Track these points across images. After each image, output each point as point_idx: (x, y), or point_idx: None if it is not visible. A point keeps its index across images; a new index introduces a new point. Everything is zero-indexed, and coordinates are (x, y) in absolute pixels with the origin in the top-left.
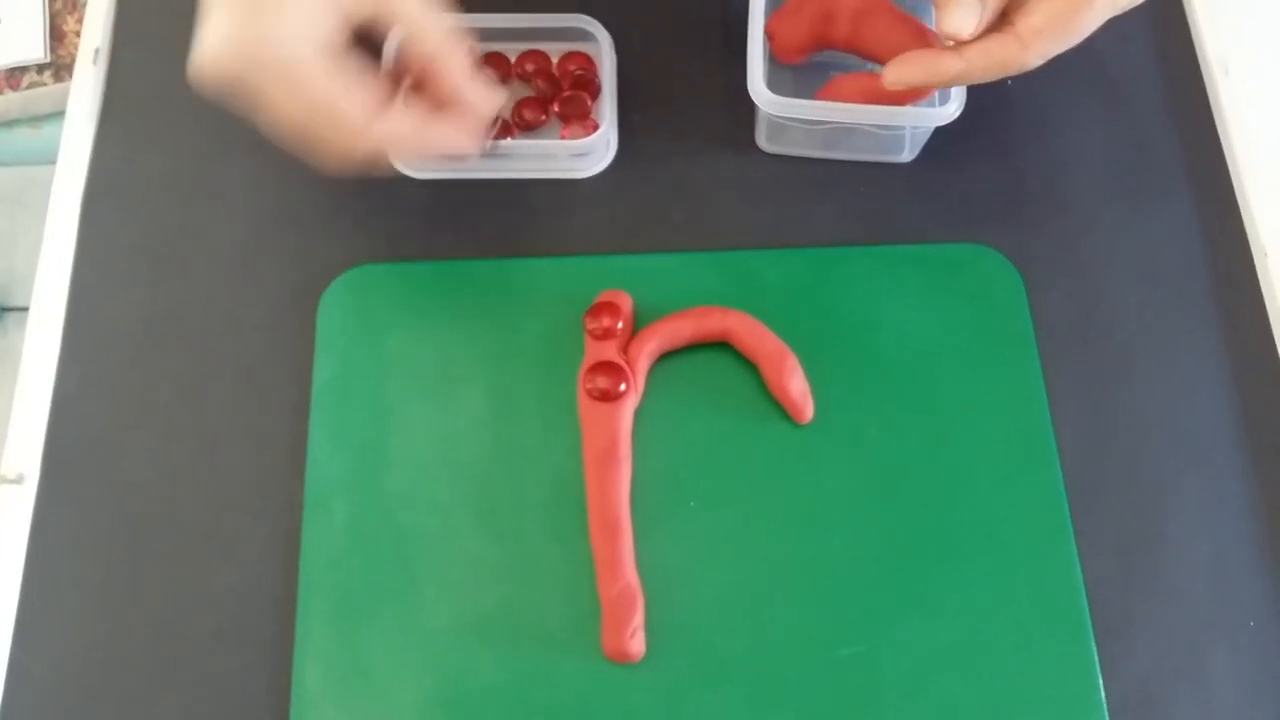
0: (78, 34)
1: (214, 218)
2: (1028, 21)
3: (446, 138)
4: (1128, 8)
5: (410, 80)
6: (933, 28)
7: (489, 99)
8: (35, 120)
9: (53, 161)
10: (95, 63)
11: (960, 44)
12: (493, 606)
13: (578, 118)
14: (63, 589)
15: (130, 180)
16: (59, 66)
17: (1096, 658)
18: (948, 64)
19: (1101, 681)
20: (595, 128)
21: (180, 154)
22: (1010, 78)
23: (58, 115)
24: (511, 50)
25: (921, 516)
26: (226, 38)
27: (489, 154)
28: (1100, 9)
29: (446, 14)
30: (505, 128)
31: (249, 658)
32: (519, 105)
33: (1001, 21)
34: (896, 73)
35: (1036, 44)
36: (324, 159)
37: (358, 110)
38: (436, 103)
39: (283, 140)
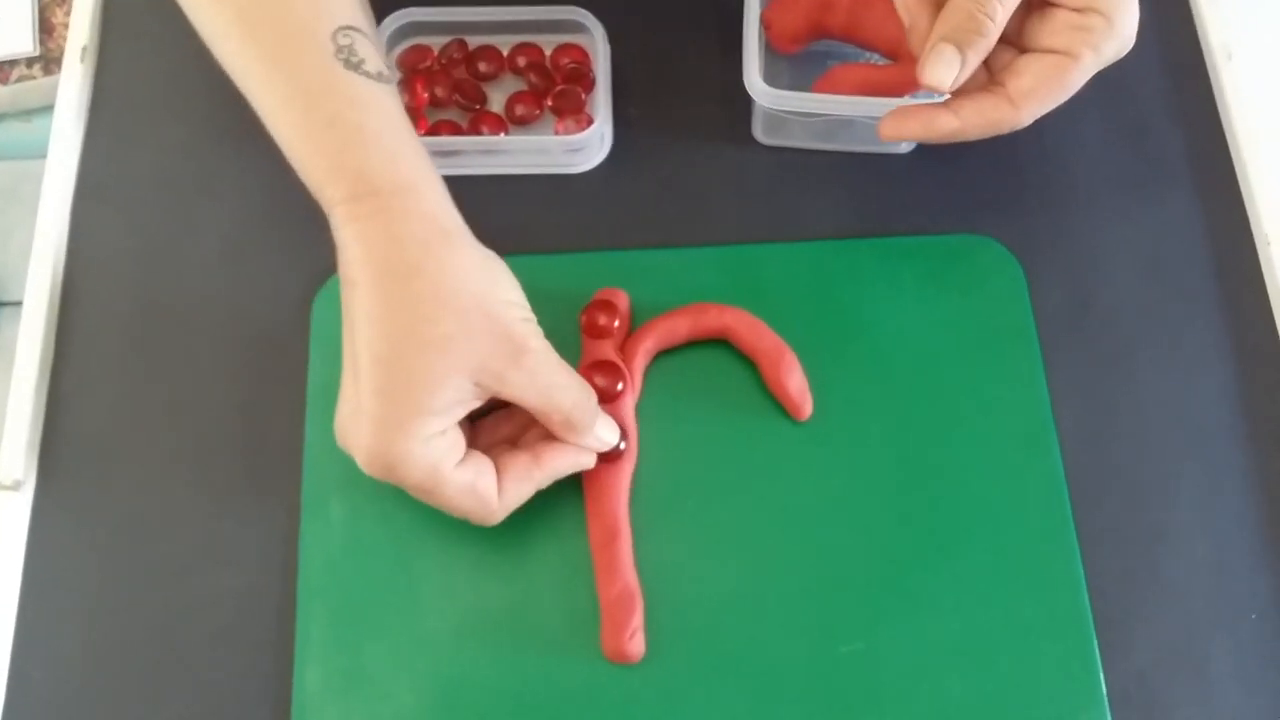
0: (67, 27)
1: (207, 217)
2: (1017, 83)
3: (563, 464)
4: (1113, 60)
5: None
6: None
7: (612, 438)
8: (26, 114)
9: (44, 155)
10: (83, 60)
11: (954, 101)
12: (492, 607)
13: (572, 112)
14: (61, 594)
15: (120, 179)
16: (48, 60)
17: (1097, 651)
18: (943, 121)
19: (1103, 674)
20: (590, 122)
21: (171, 152)
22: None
23: (48, 109)
24: (504, 43)
25: (921, 511)
26: (368, 450)
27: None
28: (1086, 67)
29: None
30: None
31: (249, 661)
32: (511, 100)
33: (991, 82)
34: (894, 128)
35: (1026, 105)
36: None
37: (484, 500)
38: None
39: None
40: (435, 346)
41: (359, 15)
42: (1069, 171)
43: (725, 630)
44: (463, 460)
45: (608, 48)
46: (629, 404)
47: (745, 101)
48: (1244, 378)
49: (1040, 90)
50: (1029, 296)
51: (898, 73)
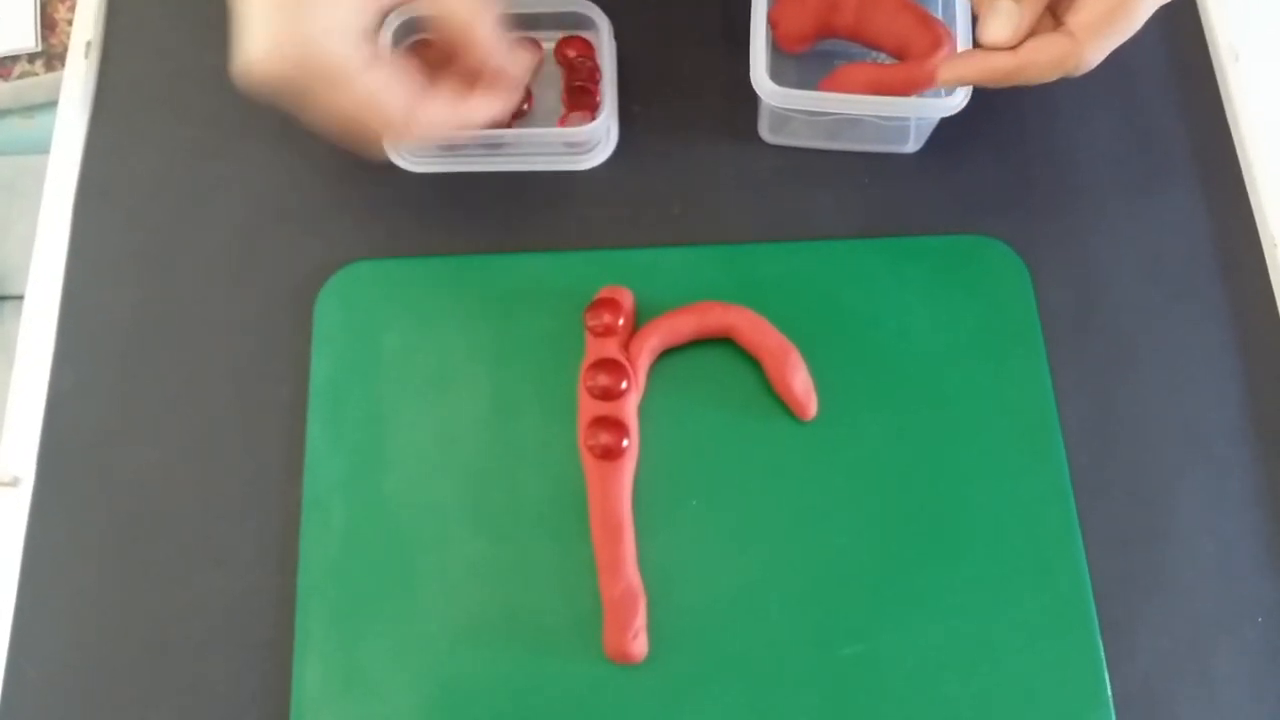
0: (69, 22)
1: (209, 214)
2: (1077, 18)
3: (484, 110)
4: None
5: (435, 53)
6: (937, 14)
7: (522, 62)
8: (28, 110)
9: (47, 151)
10: (87, 56)
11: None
12: (494, 607)
13: (577, 105)
14: (59, 592)
15: (123, 176)
16: (50, 55)
17: (1103, 653)
18: (1001, 61)
19: (1108, 677)
20: (594, 115)
21: (174, 148)
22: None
23: (50, 105)
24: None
25: (926, 513)
26: (268, 38)
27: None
28: None
29: None
30: (527, 95)
31: (248, 660)
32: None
33: (1054, 22)
34: (951, 70)
35: (1090, 40)
36: (370, 150)
37: (400, 101)
38: (464, 76)
39: (328, 135)
40: None
41: None
42: (1075, 172)
43: (728, 631)
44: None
45: (613, 43)
46: (633, 403)
47: (751, 100)
48: (1249, 379)
49: (1101, 23)
50: (1034, 297)
51: (904, 72)
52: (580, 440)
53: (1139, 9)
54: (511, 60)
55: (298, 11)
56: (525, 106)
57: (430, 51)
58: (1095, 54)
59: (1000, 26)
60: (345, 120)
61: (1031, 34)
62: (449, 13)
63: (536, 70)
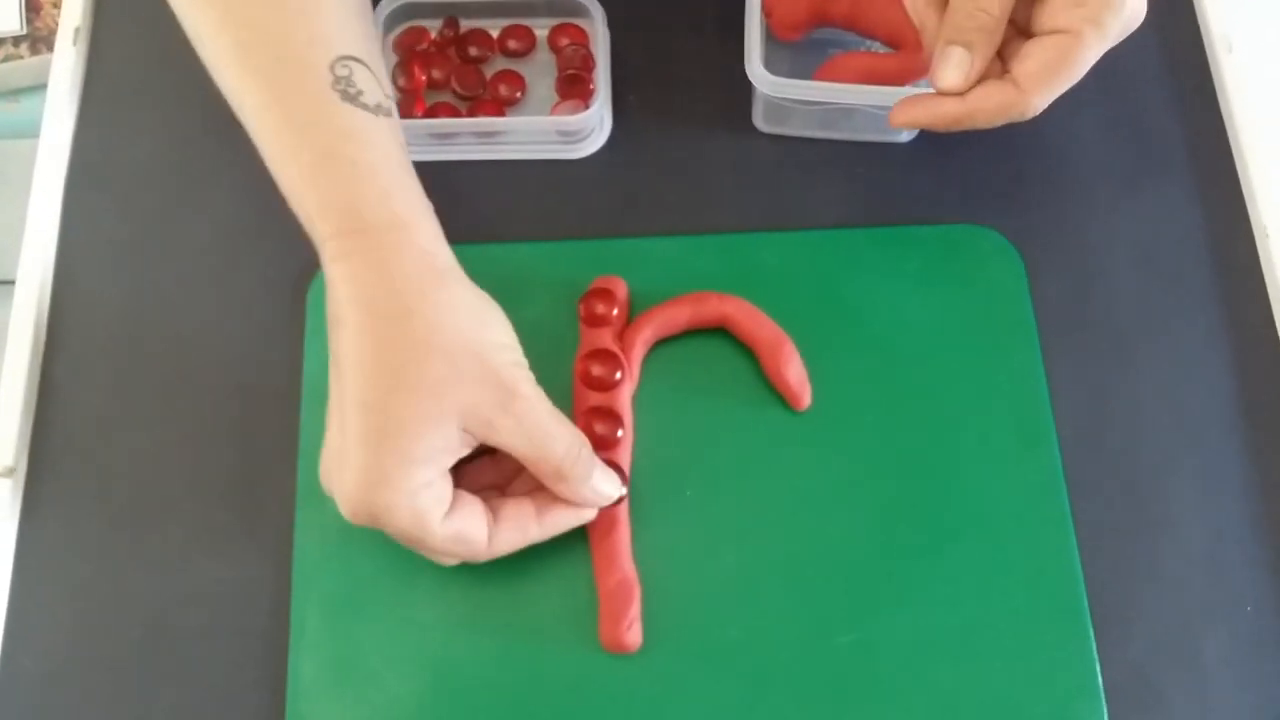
0: (55, 5)
1: (201, 203)
2: (1022, 68)
3: (566, 522)
4: (1123, 35)
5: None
6: None
7: (612, 491)
8: (13, 94)
9: (31, 136)
10: (75, 43)
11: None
12: (489, 597)
13: (570, 94)
14: (53, 583)
15: (114, 164)
16: (35, 39)
17: (1094, 642)
18: (949, 106)
19: (1099, 666)
20: (588, 104)
21: (165, 136)
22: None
23: (35, 89)
24: (495, 25)
25: (920, 502)
26: (352, 500)
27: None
28: (1090, 44)
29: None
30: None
31: (243, 651)
32: (494, 80)
33: (1001, 69)
34: (903, 115)
35: (1034, 89)
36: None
37: (474, 557)
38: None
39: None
40: (423, 391)
41: (360, 43)
42: (1069, 162)
43: (722, 620)
44: (450, 509)
45: (607, 31)
46: (627, 393)
47: (746, 89)
48: (1242, 370)
49: (1045, 73)
50: (1028, 287)
51: (899, 61)
52: None
53: (1080, 60)
54: (606, 495)
55: (383, 478)
56: (517, 95)
57: (491, 472)
58: (1039, 102)
59: (952, 73)
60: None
61: (981, 80)
62: (543, 458)
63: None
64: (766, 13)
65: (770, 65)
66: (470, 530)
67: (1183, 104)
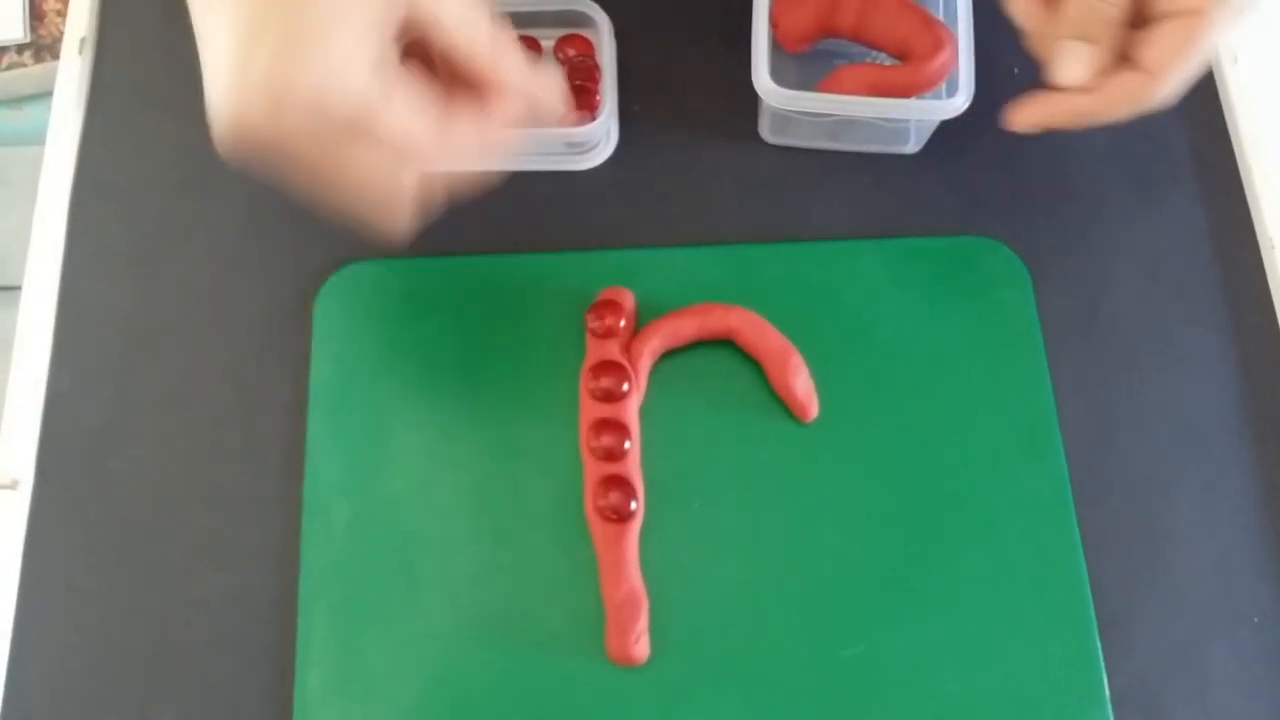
0: (59, 13)
1: (207, 213)
2: (1150, 54)
3: (509, 124)
4: (1244, 14)
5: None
6: (939, 16)
7: (555, 84)
8: (16, 101)
9: (36, 143)
10: (81, 52)
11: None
12: (496, 609)
13: (582, 106)
14: (60, 594)
15: (120, 174)
16: (39, 47)
17: (1100, 652)
18: (1078, 102)
19: (1105, 676)
20: (594, 115)
21: (171, 146)
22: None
23: (39, 97)
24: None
25: (926, 513)
26: (258, 86)
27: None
28: (1218, 25)
29: (486, 7)
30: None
31: (250, 662)
32: None
33: (1123, 60)
34: (1025, 115)
35: (1166, 74)
36: (391, 216)
37: (431, 132)
38: (473, 89)
39: (335, 205)
40: None
41: None
42: (1075, 174)
43: (729, 633)
44: (389, 87)
45: (613, 41)
46: (634, 404)
47: (752, 99)
48: (1248, 381)
49: (1174, 56)
50: (1034, 298)
51: (905, 74)
52: (582, 442)
53: (1207, 36)
54: (545, 87)
55: (293, 49)
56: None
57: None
58: (1172, 87)
59: (1077, 67)
60: (362, 175)
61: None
62: (466, 45)
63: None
64: (773, 24)
65: (776, 76)
66: (412, 110)
67: (1188, 116)
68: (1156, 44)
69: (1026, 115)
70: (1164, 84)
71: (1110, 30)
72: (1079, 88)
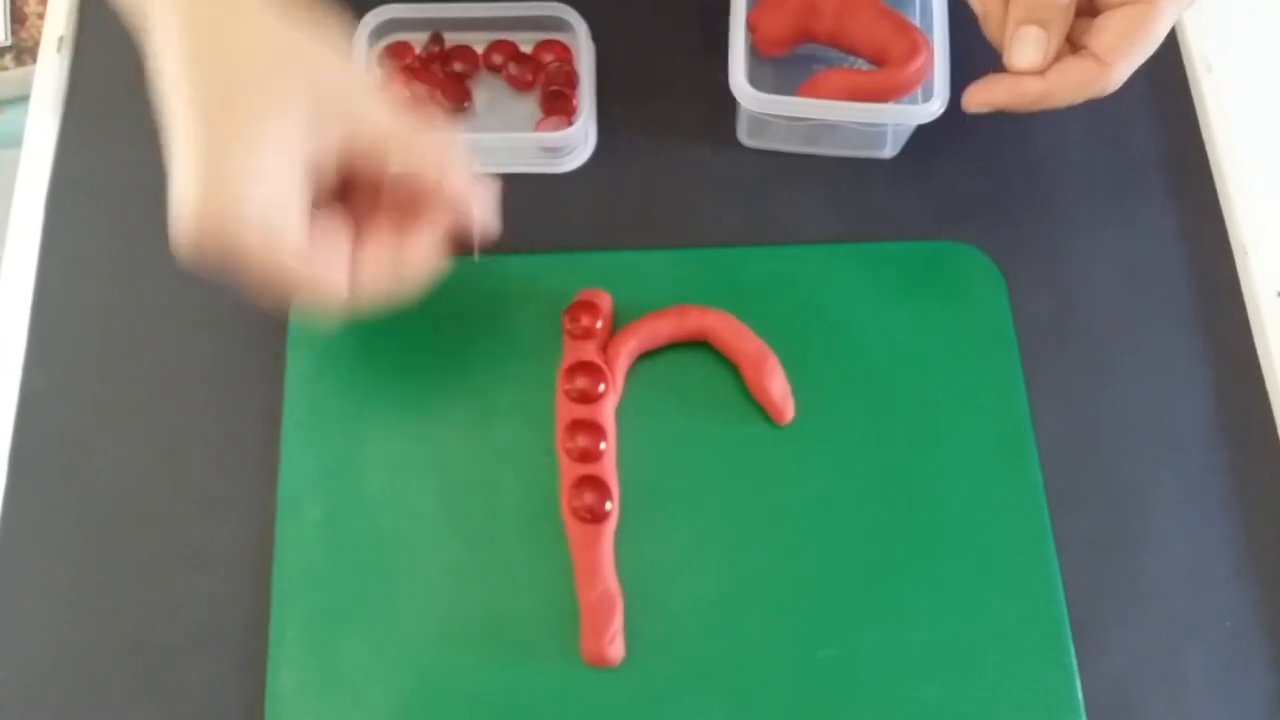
0: (40, 16)
1: None
2: (1100, 40)
3: (432, 254)
4: (1191, 4)
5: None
6: (915, 21)
7: (490, 198)
8: None
9: (15, 146)
10: (59, 51)
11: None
12: (471, 611)
13: (559, 112)
14: (33, 596)
15: (97, 174)
16: (20, 50)
17: (1074, 656)
18: (1029, 85)
19: (1078, 680)
20: (571, 120)
21: (149, 146)
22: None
23: (19, 100)
24: (479, 40)
25: (901, 517)
26: (195, 212)
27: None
28: (1167, 13)
29: (422, 120)
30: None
31: (222, 664)
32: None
33: (1074, 47)
34: (979, 96)
35: (1116, 61)
36: (312, 314)
37: (338, 279)
38: (403, 210)
39: (266, 303)
40: (263, 63)
41: None
42: (1050, 179)
43: (704, 634)
44: (309, 234)
45: (591, 45)
46: (610, 406)
47: (729, 103)
48: (1222, 386)
49: (1125, 43)
50: (1009, 303)
51: (882, 78)
52: (558, 442)
53: (1158, 26)
54: (480, 200)
55: (221, 178)
56: (465, 104)
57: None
58: (1120, 74)
59: (1030, 51)
60: (281, 292)
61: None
62: (418, 169)
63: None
64: (750, 28)
65: (754, 80)
66: (330, 251)
67: (1163, 123)
68: (1107, 31)
69: (979, 96)
70: (1114, 71)
71: (1062, 16)
72: (1032, 72)
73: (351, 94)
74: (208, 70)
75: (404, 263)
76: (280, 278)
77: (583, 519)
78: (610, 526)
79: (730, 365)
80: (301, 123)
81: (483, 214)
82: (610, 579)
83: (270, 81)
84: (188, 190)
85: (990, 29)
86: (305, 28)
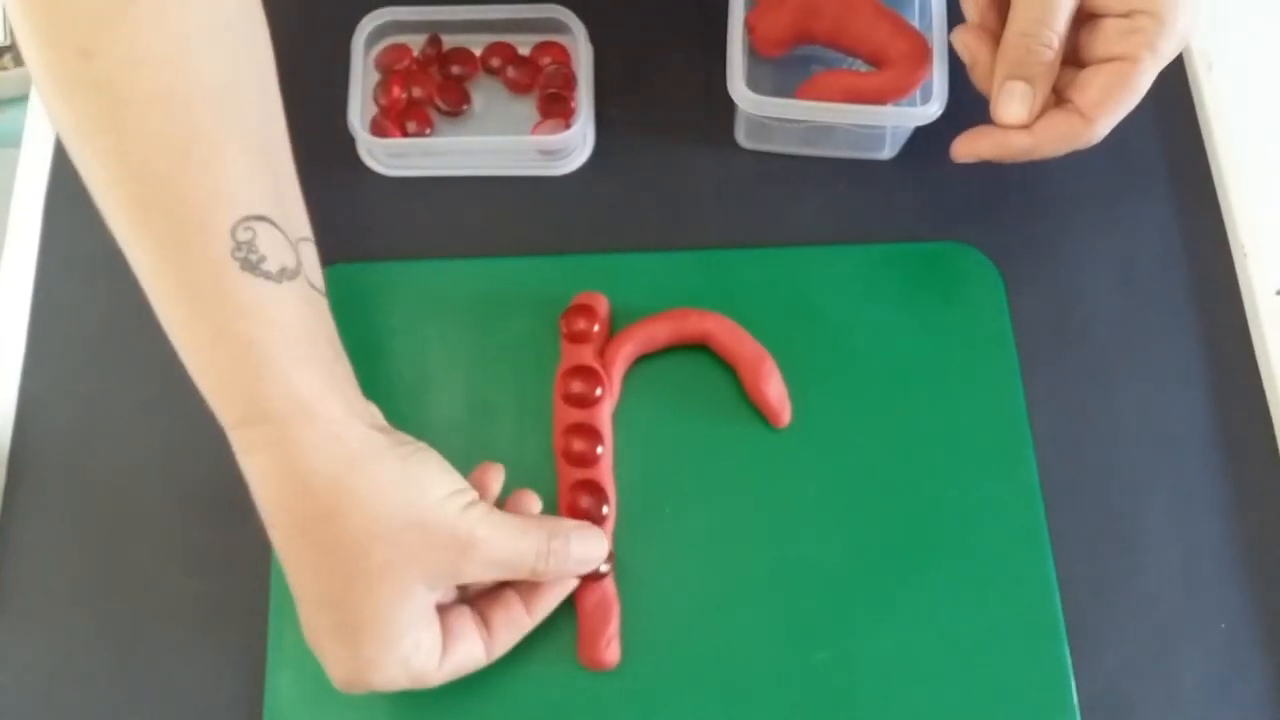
0: None
1: None
2: (1085, 96)
3: (555, 600)
4: (1175, 54)
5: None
6: (914, 23)
7: (596, 552)
8: None
9: (15, 146)
10: None
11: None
12: None
13: (557, 114)
14: (31, 600)
15: None
16: (19, 50)
17: (1069, 658)
18: (1015, 139)
19: (1074, 682)
20: (569, 123)
21: None
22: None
23: (20, 100)
24: (477, 42)
25: (898, 519)
26: (345, 685)
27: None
28: (1147, 68)
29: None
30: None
31: (221, 665)
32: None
33: (1060, 100)
34: (966, 147)
35: (1099, 116)
36: None
37: (479, 666)
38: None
39: None
40: (376, 580)
41: (269, 198)
42: (1049, 180)
43: (700, 637)
44: (445, 650)
45: (589, 48)
46: (607, 409)
47: (728, 104)
48: (1219, 389)
49: (1108, 99)
50: (1007, 304)
51: (881, 80)
52: (555, 446)
53: (1140, 82)
54: (577, 566)
55: (366, 666)
56: (463, 107)
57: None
58: (1103, 129)
59: (1017, 107)
60: None
61: (1042, 111)
62: (516, 574)
63: None
64: (749, 29)
65: (752, 81)
66: (468, 656)
67: (1162, 122)
68: (1091, 88)
69: (967, 148)
70: (1097, 126)
71: (1048, 72)
72: (1018, 126)
73: (459, 562)
74: (320, 563)
75: (529, 623)
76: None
77: None
78: (607, 530)
79: (728, 368)
80: (423, 598)
81: (591, 568)
82: (606, 582)
83: (386, 573)
84: (335, 664)
85: (977, 77)
86: (398, 479)
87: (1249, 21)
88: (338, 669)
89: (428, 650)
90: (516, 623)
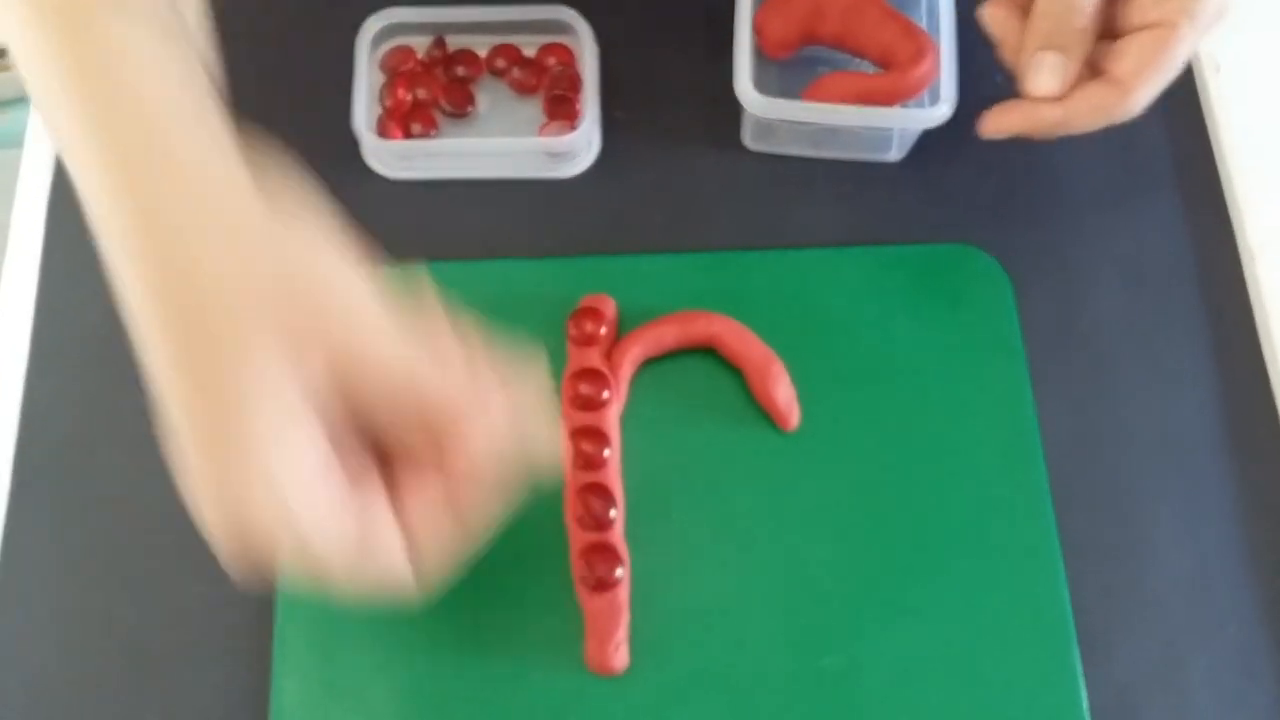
0: None
1: None
2: (1121, 65)
3: (485, 513)
4: (1215, 22)
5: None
6: (922, 24)
7: (555, 440)
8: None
9: (16, 146)
10: None
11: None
12: (474, 618)
13: (563, 117)
14: (37, 605)
15: None
16: None
17: (1079, 663)
18: (1046, 112)
19: (1084, 687)
20: (575, 125)
21: None
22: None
23: (20, 100)
24: (482, 44)
25: (907, 523)
26: (212, 511)
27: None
28: (1185, 35)
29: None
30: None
31: (227, 672)
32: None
33: (1094, 71)
34: (996, 123)
35: (1137, 86)
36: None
37: (399, 563)
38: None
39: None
40: (230, 285)
41: None
42: (1057, 182)
43: (708, 642)
44: (341, 498)
45: (595, 49)
46: (614, 412)
47: (734, 106)
48: (1228, 392)
49: (1144, 68)
50: (1016, 306)
51: (889, 81)
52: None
53: (1179, 49)
54: (543, 442)
55: (229, 468)
56: (468, 109)
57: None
58: (1142, 99)
59: (1048, 78)
60: (319, 569)
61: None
62: (415, 393)
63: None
64: (756, 31)
65: (759, 83)
66: (374, 526)
67: (1170, 124)
68: (1127, 56)
69: (998, 123)
70: (1134, 96)
71: (1081, 41)
72: (1050, 98)
73: (331, 308)
74: (170, 298)
75: (461, 512)
76: (323, 564)
77: (586, 526)
78: (615, 534)
79: (735, 372)
80: (281, 374)
81: (537, 430)
82: (618, 588)
83: (240, 311)
84: (200, 481)
85: (1007, 53)
86: (276, 212)
87: (1257, 24)
88: (197, 491)
89: (298, 462)
90: (433, 505)
